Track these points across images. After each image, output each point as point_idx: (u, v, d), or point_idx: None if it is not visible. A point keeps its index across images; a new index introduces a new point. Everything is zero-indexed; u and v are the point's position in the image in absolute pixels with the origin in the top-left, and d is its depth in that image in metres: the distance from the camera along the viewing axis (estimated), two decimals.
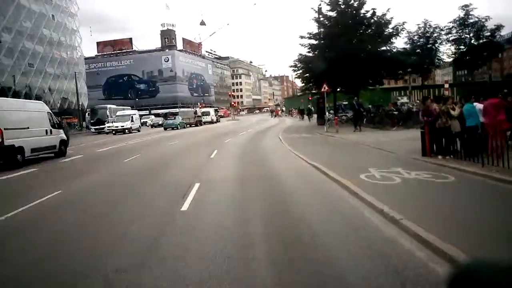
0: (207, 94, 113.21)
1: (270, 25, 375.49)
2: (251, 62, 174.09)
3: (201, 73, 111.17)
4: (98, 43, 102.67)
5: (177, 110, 78.44)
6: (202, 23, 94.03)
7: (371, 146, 14.52)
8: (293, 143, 17.71)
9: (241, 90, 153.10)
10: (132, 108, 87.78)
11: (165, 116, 57.27)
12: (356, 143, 16.25)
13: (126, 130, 35.83)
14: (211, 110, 55.34)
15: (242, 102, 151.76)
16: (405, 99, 58.35)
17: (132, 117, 38.21)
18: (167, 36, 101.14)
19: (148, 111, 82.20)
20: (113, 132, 35.76)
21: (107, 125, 38.07)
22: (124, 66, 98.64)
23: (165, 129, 38.45)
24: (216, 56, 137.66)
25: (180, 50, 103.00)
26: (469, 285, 0.88)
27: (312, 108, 49.42)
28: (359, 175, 8.45)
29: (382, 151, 12.80)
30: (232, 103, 66.06)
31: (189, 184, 8.91)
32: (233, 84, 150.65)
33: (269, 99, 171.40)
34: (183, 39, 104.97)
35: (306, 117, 46.13)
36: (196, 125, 43.19)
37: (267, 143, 20.10)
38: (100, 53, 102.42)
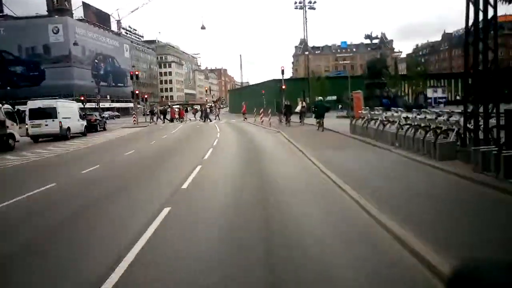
0: (121, 84, 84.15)
1: (204, 11, 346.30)
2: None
3: (114, 55, 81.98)
4: None
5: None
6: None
7: None
8: None
9: (170, 82, 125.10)
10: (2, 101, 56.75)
11: None
12: None
13: None
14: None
15: (171, 96, 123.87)
16: (440, 93, 36.68)
17: None
18: None
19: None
20: None
21: None
22: None
23: None
24: (138, 36, 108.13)
25: (80, 20, 73.16)
26: (469, 284, 0.86)
27: (288, 103, 25.95)
28: None
29: None
30: (136, 92, 38.09)
31: None
32: (160, 74, 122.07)
33: (205, 93, 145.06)
34: (84, 5, 75.10)
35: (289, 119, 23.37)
36: None
37: None
38: None
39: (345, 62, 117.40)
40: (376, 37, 47.92)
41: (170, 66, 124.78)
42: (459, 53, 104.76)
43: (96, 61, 73.45)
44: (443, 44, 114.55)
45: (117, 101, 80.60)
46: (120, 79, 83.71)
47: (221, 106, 62.38)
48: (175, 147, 16.26)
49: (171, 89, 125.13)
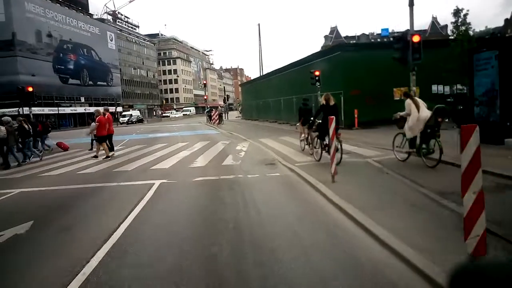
0: (103, 83, 64.52)
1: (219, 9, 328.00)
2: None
3: (91, 45, 62.39)
4: None
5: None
6: None
7: None
8: None
9: (176, 81, 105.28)
10: None
11: None
12: None
13: None
14: None
15: (177, 98, 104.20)
16: None
17: None
18: None
19: None
20: None
21: None
22: None
23: None
24: (132, 26, 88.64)
25: None
26: (471, 284, 0.85)
27: None
28: None
29: None
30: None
31: None
32: (164, 72, 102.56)
33: (219, 95, 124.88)
34: None
35: None
36: None
37: None
38: None
39: None
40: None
41: (175, 63, 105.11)
42: None
43: (61, 51, 54.02)
44: (510, 29, 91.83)
45: (97, 105, 61.03)
46: (101, 76, 64.15)
47: (221, 109, 38.52)
48: None
49: (176, 90, 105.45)
